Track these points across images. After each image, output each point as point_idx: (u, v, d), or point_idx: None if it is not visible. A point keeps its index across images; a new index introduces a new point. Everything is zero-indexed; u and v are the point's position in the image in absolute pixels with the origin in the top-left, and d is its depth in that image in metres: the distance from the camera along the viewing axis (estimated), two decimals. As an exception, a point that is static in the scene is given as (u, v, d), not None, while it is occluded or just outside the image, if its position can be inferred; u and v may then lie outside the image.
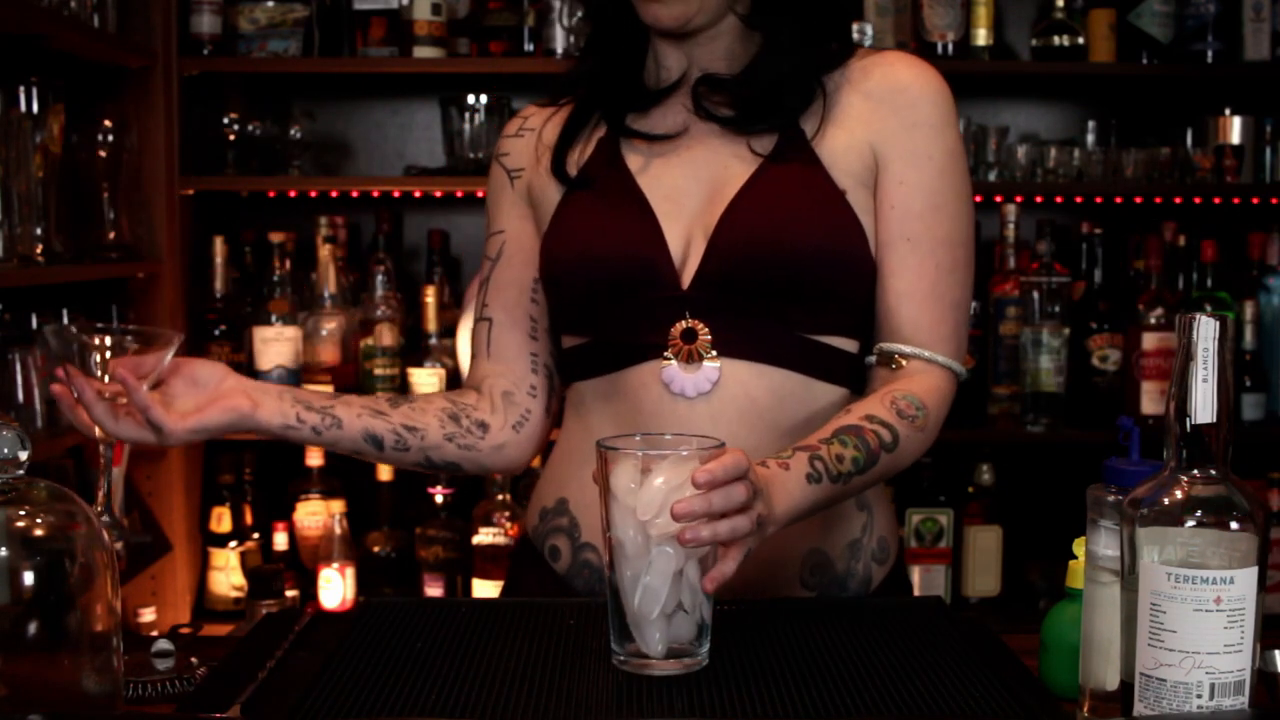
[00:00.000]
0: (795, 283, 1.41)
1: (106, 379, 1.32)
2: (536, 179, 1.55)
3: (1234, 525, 1.01)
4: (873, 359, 1.45)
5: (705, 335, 1.41)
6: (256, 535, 3.05)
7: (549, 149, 1.53)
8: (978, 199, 3.10)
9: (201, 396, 1.39)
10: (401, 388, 2.94)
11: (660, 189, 1.45)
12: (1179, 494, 1.02)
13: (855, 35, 2.90)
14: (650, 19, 1.44)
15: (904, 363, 1.43)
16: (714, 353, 1.41)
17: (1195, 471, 1.02)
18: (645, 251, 1.42)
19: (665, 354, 1.41)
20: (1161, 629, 1.00)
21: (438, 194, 3.13)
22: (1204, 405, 1.01)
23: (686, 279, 1.42)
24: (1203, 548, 1.01)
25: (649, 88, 1.52)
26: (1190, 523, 1.01)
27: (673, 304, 1.41)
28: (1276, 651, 1.17)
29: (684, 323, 1.41)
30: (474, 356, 1.59)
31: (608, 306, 1.44)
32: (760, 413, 1.41)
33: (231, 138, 3.00)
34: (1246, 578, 0.99)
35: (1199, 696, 0.99)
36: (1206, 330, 1.01)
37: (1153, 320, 2.96)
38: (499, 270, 1.58)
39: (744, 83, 1.46)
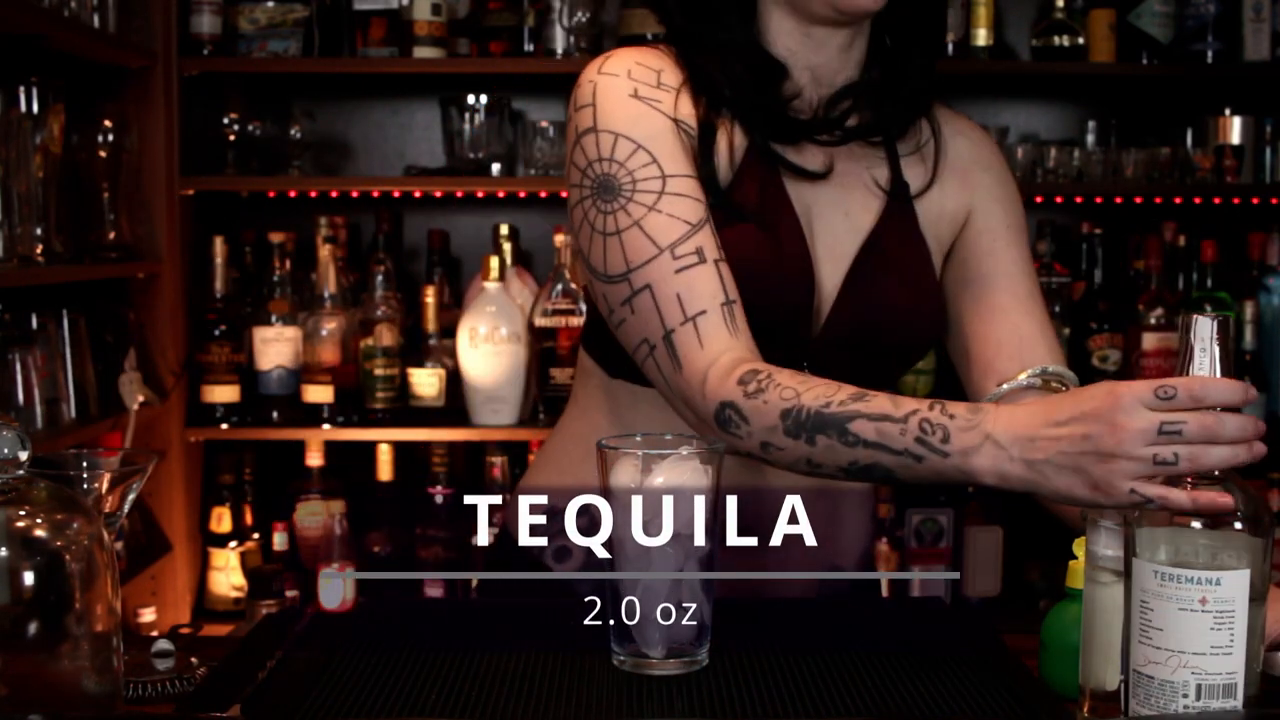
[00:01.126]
0: (898, 348, 1.43)
1: (107, 496, 1.26)
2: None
3: (1237, 526, 1.00)
4: (1032, 381, 1.41)
5: None
6: (256, 535, 3.05)
7: (692, 132, 1.39)
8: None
9: None
10: (401, 388, 2.94)
11: (811, 225, 1.41)
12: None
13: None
14: (850, 4, 1.36)
15: (1067, 386, 1.42)
16: None
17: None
18: (795, 299, 1.37)
19: None
20: (1150, 627, 1.00)
21: (438, 194, 3.13)
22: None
23: (815, 328, 1.40)
24: (1200, 548, 1.00)
25: (795, 116, 1.42)
26: (1195, 523, 1.01)
27: (797, 348, 1.38)
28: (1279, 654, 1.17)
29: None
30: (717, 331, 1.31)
31: None
32: None
33: (231, 138, 3.00)
34: (1235, 580, 0.99)
35: (1185, 696, 0.99)
36: (1204, 330, 1.01)
37: (1153, 320, 2.96)
38: (716, 234, 1.34)
39: (877, 83, 1.45)
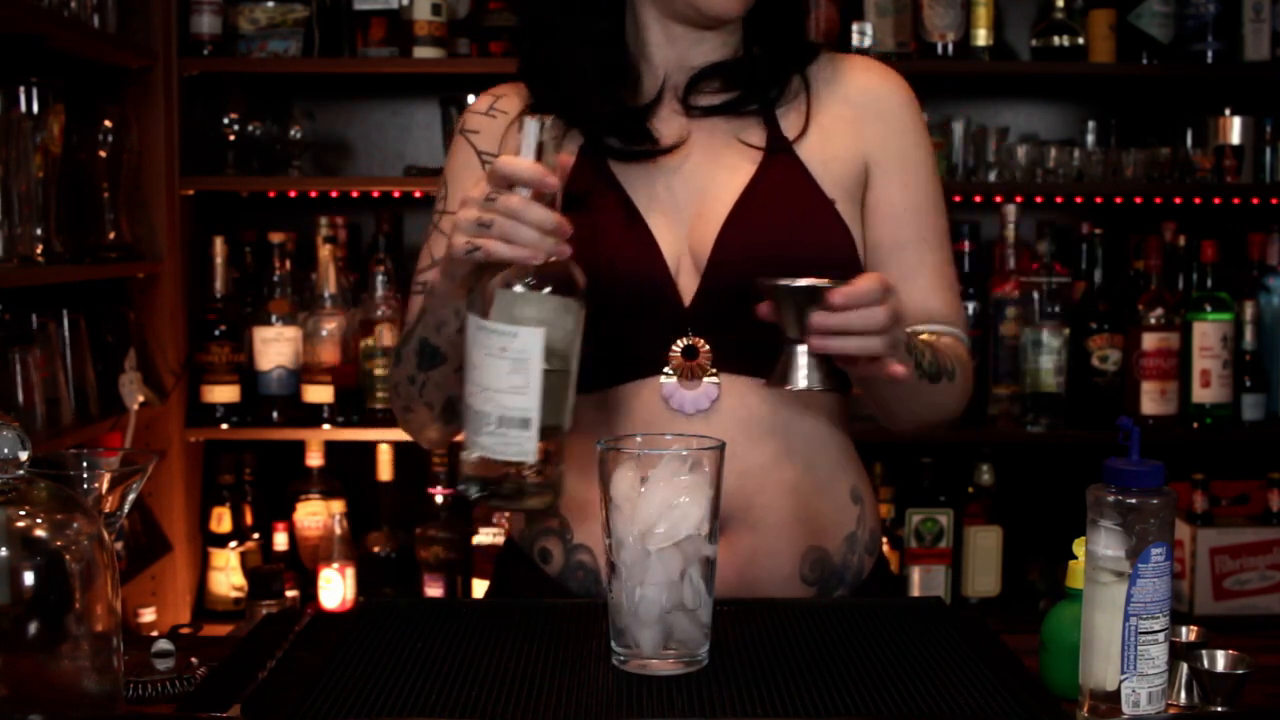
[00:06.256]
0: None
1: (107, 496, 1.25)
2: None
3: (547, 290, 1.18)
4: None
5: (706, 352, 1.41)
6: (256, 535, 3.05)
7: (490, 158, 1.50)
8: (977, 199, 3.11)
9: None
10: (401, 388, 2.93)
11: (650, 200, 1.45)
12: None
13: (855, 36, 2.90)
14: (719, 7, 1.42)
15: (948, 337, 1.49)
16: (713, 369, 1.41)
17: None
18: (643, 270, 1.41)
19: (665, 370, 1.41)
20: (471, 367, 1.19)
21: (438, 194, 3.13)
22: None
23: (686, 296, 1.42)
24: (513, 307, 1.18)
25: (633, 102, 1.48)
26: (517, 287, 1.19)
27: (673, 321, 1.41)
28: (1217, 652, 1.17)
29: (685, 340, 1.41)
30: None
31: (601, 323, 1.38)
32: (758, 423, 1.43)
33: (231, 138, 3.00)
34: (530, 335, 1.16)
35: (488, 425, 1.17)
36: (529, 130, 1.20)
37: (1153, 320, 2.96)
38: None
39: (740, 63, 1.49)
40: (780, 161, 1.45)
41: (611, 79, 1.48)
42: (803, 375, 1.24)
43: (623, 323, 1.41)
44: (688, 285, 1.42)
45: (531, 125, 1.20)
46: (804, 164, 1.46)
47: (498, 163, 1.22)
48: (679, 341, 1.41)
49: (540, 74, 1.51)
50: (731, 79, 1.48)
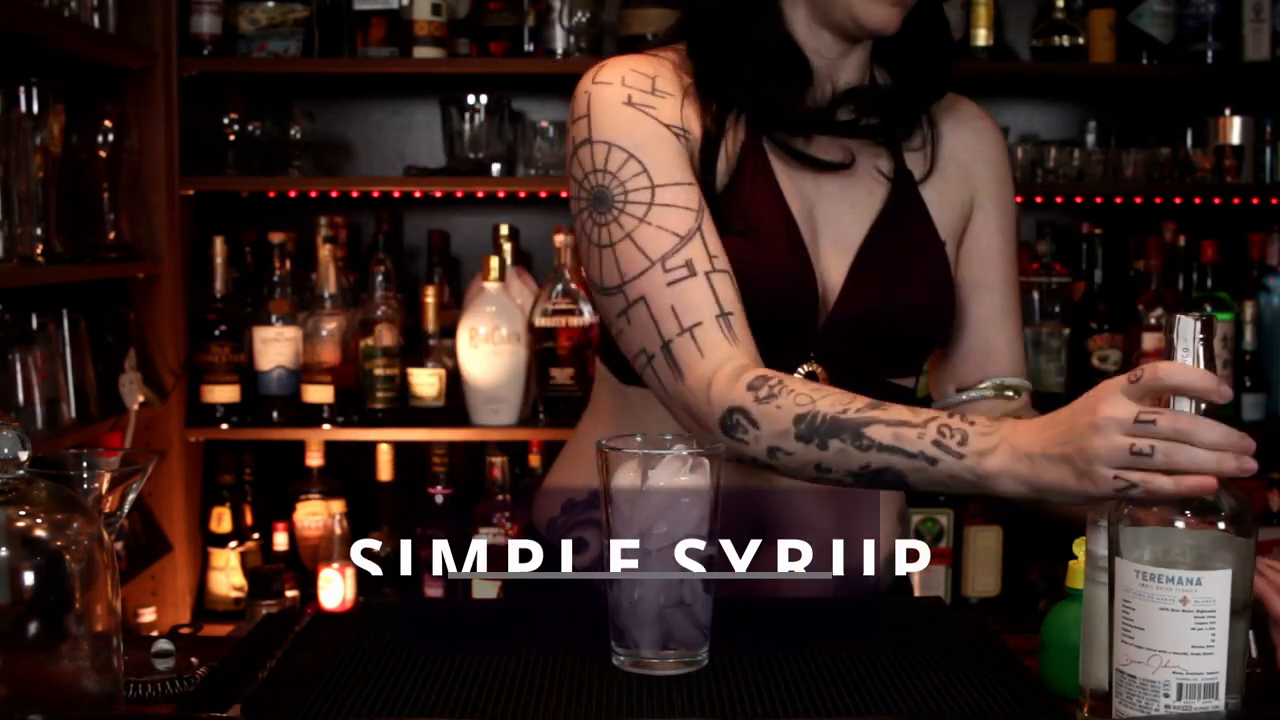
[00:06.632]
0: (908, 338, 1.43)
1: (107, 496, 1.24)
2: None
3: (1220, 526, 1.00)
4: (979, 394, 1.49)
5: (825, 379, 1.38)
6: (256, 535, 3.05)
7: (692, 139, 1.37)
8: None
9: None
10: (401, 388, 2.94)
11: (801, 213, 1.40)
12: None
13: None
14: (878, 20, 1.37)
15: (1022, 396, 1.50)
16: None
17: None
18: (796, 299, 1.37)
19: None
20: (1131, 626, 1.00)
21: (438, 194, 3.13)
22: (1187, 405, 1.01)
23: (821, 318, 1.39)
24: (1183, 548, 1.00)
25: (810, 108, 1.42)
26: (1178, 523, 1.01)
27: (803, 344, 1.39)
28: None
29: (808, 366, 1.39)
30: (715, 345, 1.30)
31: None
32: None
33: (231, 138, 3.00)
34: (1217, 580, 0.98)
35: (1166, 696, 0.99)
36: (1186, 329, 1.01)
37: (1153, 320, 2.96)
38: (713, 241, 1.33)
39: (883, 88, 1.46)
40: (906, 199, 1.45)
41: (791, 72, 1.41)
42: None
43: (758, 335, 1.34)
44: (824, 315, 1.39)
45: (1189, 324, 1.01)
46: (926, 205, 1.46)
47: (1160, 371, 1.02)
48: (802, 367, 1.38)
49: (709, 79, 1.40)
50: (877, 104, 1.44)
